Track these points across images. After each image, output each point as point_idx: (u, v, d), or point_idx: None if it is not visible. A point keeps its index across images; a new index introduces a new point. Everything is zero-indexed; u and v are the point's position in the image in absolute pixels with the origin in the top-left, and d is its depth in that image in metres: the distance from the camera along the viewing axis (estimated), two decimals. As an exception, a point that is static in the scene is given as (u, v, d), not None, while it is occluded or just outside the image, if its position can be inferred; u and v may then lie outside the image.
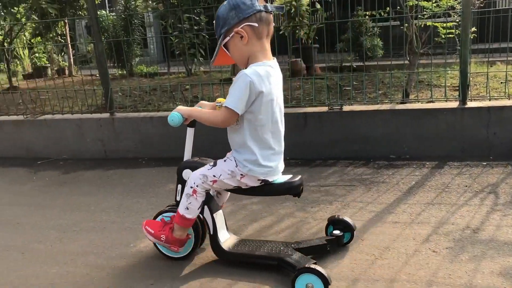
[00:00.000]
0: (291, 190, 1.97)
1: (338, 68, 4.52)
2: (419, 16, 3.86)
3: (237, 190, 2.03)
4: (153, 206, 2.87)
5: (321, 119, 3.60)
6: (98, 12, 5.00)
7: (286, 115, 3.57)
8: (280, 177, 1.99)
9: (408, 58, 3.99)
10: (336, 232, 2.12)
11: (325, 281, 1.74)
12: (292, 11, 6.68)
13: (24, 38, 8.88)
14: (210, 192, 2.09)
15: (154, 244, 2.20)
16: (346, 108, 3.63)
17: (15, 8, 6.14)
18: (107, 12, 10.83)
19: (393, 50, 5.33)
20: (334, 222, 2.20)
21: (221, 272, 2.05)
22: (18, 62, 9.43)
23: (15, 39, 7.76)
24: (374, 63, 6.52)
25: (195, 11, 7.09)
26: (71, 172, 3.74)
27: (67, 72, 9.03)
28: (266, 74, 1.84)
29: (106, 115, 4.09)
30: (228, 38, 1.86)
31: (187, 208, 1.98)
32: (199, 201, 1.98)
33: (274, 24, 1.94)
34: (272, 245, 2.08)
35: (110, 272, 2.11)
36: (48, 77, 8.61)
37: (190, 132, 2.13)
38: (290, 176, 2.01)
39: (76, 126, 4.14)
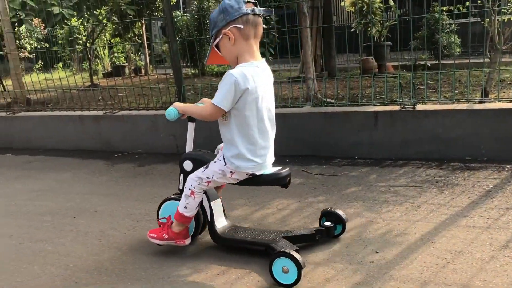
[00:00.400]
0: (278, 181, 2.08)
1: (412, 66, 4.36)
2: (503, 10, 3.63)
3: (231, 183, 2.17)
4: (221, 200, 2.93)
5: (392, 118, 3.49)
6: (173, 13, 5.19)
7: (355, 113, 3.57)
8: (268, 170, 2.11)
9: (489, 56, 3.77)
10: (327, 223, 2.23)
11: (299, 265, 1.85)
12: (364, 9, 6.55)
13: (105, 38, 9.40)
14: None
15: None
16: (420, 107, 3.50)
17: (97, 10, 6.51)
18: (181, 12, 11.19)
19: (471, 47, 5.06)
20: (327, 214, 2.29)
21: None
22: (98, 61, 10.00)
23: (96, 40, 8.24)
24: (451, 61, 6.22)
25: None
26: (145, 165, 3.92)
27: (143, 71, 9.44)
28: (252, 74, 1.95)
29: (178, 111, 4.23)
30: (218, 39, 2.01)
31: (186, 207, 2.14)
32: (197, 201, 2.14)
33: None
34: (263, 232, 2.22)
35: (179, 260, 2.19)
36: (126, 76, 9.06)
37: (190, 126, 2.29)
38: (279, 168, 2.11)
39: (150, 122, 4.32)
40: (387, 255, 2.07)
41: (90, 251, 2.38)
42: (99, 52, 9.83)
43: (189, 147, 2.31)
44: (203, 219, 2.29)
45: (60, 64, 10.12)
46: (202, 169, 2.13)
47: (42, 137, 4.86)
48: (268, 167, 2.11)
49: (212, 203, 2.24)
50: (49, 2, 5.55)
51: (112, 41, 9.70)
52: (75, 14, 6.10)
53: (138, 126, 4.38)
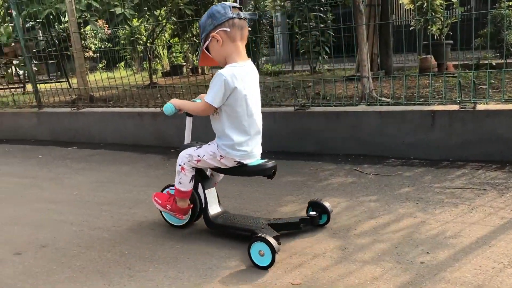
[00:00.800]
0: (263, 171, 2.26)
1: (473, 65, 4.17)
2: None
3: (219, 170, 2.37)
4: (270, 196, 2.95)
5: (451, 118, 3.37)
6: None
7: (412, 113, 3.48)
8: (256, 161, 2.29)
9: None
10: (312, 213, 2.38)
11: (273, 249, 2.00)
12: (424, 6, 6.36)
13: (164, 38, 9.68)
14: (207, 173, 2.49)
15: (161, 213, 2.63)
16: (480, 106, 3.35)
17: (157, 10, 6.73)
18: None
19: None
20: (313, 205, 2.45)
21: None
22: (158, 61, 10.32)
23: (156, 40, 8.51)
24: (517, 60, 5.90)
25: (322, 8, 7.10)
26: (198, 160, 4.00)
27: (200, 70, 9.65)
28: (240, 73, 2.14)
29: (232, 109, 4.29)
30: (207, 42, 2.20)
31: (180, 183, 2.36)
32: (189, 176, 2.35)
33: (249, 29, 2.30)
34: (251, 219, 2.39)
35: (228, 252, 2.23)
36: (183, 75, 9.29)
37: (189, 120, 2.52)
38: (265, 160, 2.30)
39: (204, 119, 4.40)
40: (438, 256, 2.00)
41: (144, 240, 2.47)
42: (159, 52, 10.14)
43: (187, 139, 2.54)
44: (200, 205, 2.48)
45: (122, 64, 10.53)
46: (194, 147, 2.36)
47: (103, 131, 5.10)
48: (256, 157, 2.30)
49: (206, 191, 2.43)
50: (112, 3, 5.81)
51: (171, 41, 9.99)
52: (136, 14, 6.33)
53: (193, 122, 4.47)
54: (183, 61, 10.82)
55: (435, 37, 6.68)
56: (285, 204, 2.80)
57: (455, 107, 3.42)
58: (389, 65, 6.06)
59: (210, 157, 2.28)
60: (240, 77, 2.14)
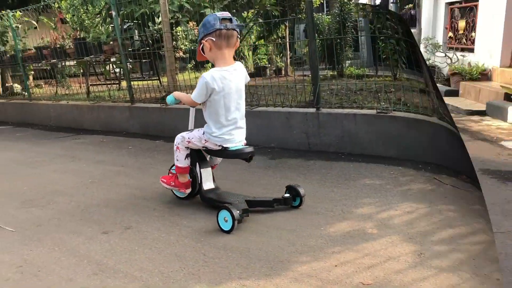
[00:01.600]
0: (241, 155, 2.72)
1: None
2: None
3: (210, 152, 2.85)
4: (346, 197, 2.93)
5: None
6: (315, 15, 5.27)
7: None
8: (237, 146, 2.73)
9: None
10: (286, 195, 2.77)
11: (233, 217, 2.44)
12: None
13: (250, 40, 9.88)
14: (207, 158, 2.99)
15: (171, 190, 3.13)
16: None
17: (245, 12, 6.90)
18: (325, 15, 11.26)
19: None
20: (289, 188, 2.80)
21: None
22: (243, 62, 10.55)
23: (242, 41, 8.72)
24: None
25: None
26: (276, 158, 4.07)
27: (283, 72, 9.73)
28: (220, 77, 2.60)
29: (312, 109, 4.30)
30: (201, 46, 2.66)
31: (177, 160, 2.91)
32: (183, 154, 2.89)
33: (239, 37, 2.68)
34: (233, 195, 2.82)
35: (299, 248, 2.26)
36: (267, 76, 9.43)
37: (192, 110, 3.02)
38: (245, 146, 2.76)
39: (285, 119, 4.46)
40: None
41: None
42: (244, 54, 10.38)
43: (191, 126, 3.02)
44: (198, 182, 2.94)
45: (210, 64, 10.89)
46: (187, 131, 2.90)
47: (188, 127, 5.32)
48: (236, 143, 2.73)
49: (202, 170, 2.91)
50: (202, 4, 6.05)
51: (256, 43, 10.18)
52: (224, 16, 6.52)
53: (273, 122, 4.55)
54: (267, 62, 10.98)
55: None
56: (361, 206, 2.77)
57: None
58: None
59: (197, 140, 2.80)
60: (220, 80, 2.59)
